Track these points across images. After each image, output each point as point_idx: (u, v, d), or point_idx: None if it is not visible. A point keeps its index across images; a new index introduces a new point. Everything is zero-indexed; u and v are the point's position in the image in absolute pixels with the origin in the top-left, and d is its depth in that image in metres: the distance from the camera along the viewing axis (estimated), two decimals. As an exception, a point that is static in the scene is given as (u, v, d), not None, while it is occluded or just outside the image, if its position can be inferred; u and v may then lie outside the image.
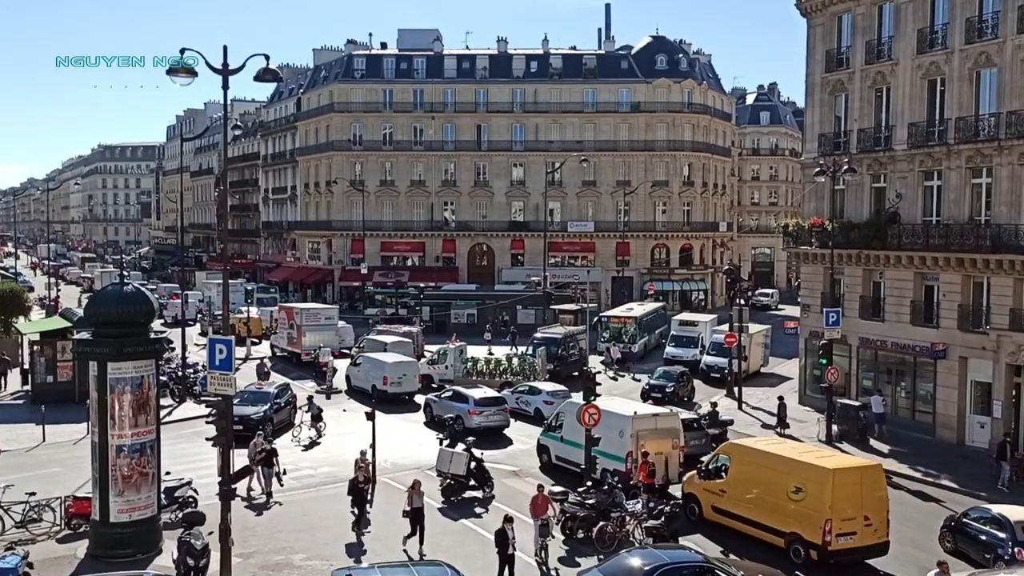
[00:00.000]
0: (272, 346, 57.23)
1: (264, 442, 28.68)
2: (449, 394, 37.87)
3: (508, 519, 21.18)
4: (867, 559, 22.28)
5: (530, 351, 48.18)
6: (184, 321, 48.39)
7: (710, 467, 25.64)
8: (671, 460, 28.06)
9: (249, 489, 27.39)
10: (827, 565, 21.71)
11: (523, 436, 35.39)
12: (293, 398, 38.72)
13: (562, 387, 40.00)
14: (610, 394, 37.09)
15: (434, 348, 49.66)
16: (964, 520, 23.16)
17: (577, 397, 30.18)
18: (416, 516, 22.82)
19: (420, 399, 41.06)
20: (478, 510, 26.52)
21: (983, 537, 22.15)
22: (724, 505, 24.53)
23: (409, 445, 34.00)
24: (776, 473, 23.34)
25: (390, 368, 41.97)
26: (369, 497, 25.44)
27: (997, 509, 23.00)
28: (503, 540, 20.71)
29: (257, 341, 59.22)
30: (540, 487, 23.27)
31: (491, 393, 37.74)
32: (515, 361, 46.13)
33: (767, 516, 23.09)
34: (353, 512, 24.14)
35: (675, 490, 27.30)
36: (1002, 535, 21.64)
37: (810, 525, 21.84)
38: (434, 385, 43.06)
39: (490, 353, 49.39)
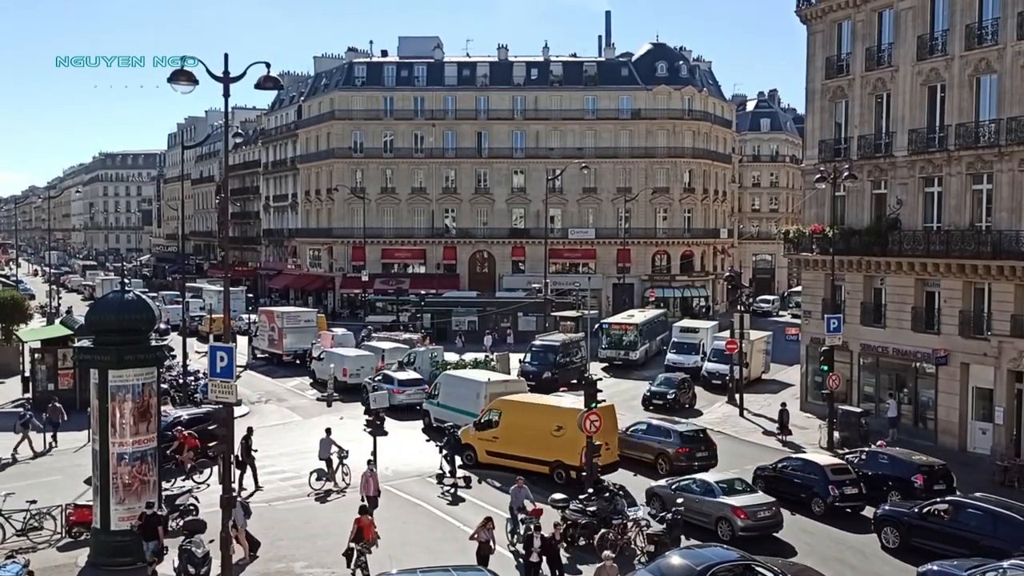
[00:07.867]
0: (254, 348, 57.44)
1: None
2: (380, 377, 43.21)
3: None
4: (605, 475, 27.94)
5: (527, 358, 48.39)
6: (185, 328, 48.37)
7: (483, 420, 31.58)
8: None
9: None
10: (580, 481, 26.89)
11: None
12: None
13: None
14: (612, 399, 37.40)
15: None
16: (780, 467, 28.40)
17: (472, 373, 39.37)
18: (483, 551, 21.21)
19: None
20: None
21: (797, 480, 27.44)
22: (497, 448, 30.83)
23: (410, 452, 33.99)
24: (540, 418, 30.45)
25: (349, 361, 46.98)
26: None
27: (808, 457, 29.14)
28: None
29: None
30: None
31: (413, 376, 43.41)
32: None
33: (535, 451, 29.82)
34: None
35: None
36: (815, 476, 26.94)
37: (571, 453, 28.41)
38: None
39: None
